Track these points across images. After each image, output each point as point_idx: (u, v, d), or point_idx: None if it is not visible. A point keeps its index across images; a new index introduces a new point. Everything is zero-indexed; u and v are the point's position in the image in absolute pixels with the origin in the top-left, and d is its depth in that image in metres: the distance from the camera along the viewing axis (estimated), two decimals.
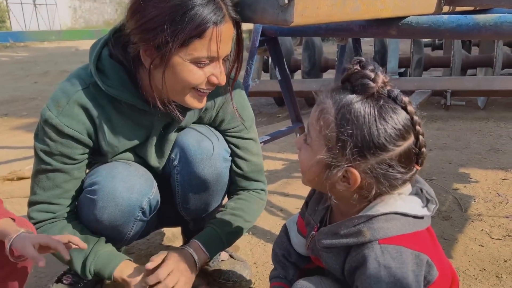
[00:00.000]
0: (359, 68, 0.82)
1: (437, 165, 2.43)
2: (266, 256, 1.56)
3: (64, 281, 1.35)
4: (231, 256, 1.48)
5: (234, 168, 1.32)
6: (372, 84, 0.80)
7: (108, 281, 1.42)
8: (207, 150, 1.24)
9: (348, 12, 1.17)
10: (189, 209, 1.34)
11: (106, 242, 1.23)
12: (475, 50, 5.08)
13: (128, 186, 1.16)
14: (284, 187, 2.25)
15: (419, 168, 0.85)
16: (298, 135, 2.45)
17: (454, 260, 1.51)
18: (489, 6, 1.78)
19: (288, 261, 1.11)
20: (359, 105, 0.80)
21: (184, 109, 1.18)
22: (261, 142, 1.82)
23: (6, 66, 7.83)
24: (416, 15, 1.41)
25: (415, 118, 0.82)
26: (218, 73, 1.07)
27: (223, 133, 1.30)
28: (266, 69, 4.60)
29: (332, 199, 0.89)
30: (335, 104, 0.82)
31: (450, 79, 3.73)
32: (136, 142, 1.20)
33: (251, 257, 1.59)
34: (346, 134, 0.80)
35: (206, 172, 1.25)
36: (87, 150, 1.17)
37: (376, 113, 0.80)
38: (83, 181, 1.20)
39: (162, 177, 1.31)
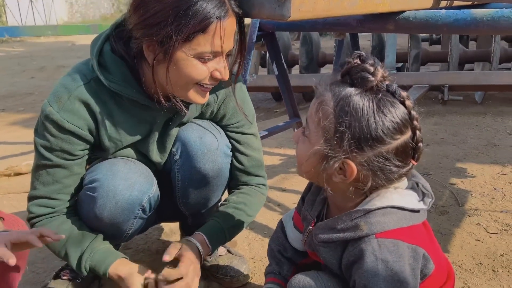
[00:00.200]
0: (359, 62, 0.83)
1: (434, 160, 2.44)
2: (264, 251, 1.56)
3: (62, 277, 1.35)
4: (228, 251, 1.48)
5: (235, 163, 1.32)
6: (371, 78, 0.81)
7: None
8: (208, 145, 1.24)
9: (346, 6, 1.17)
10: (189, 204, 1.34)
11: (106, 238, 1.23)
12: (472, 45, 5.07)
13: (129, 184, 1.16)
14: (282, 182, 2.25)
15: (415, 163, 0.86)
16: (295, 130, 2.45)
17: (451, 254, 1.52)
18: (487, 1, 1.78)
19: (283, 257, 1.12)
20: (358, 98, 0.81)
21: (187, 104, 1.18)
22: None
23: (2, 61, 7.78)
24: (414, 9, 1.40)
25: (413, 113, 0.83)
26: (221, 68, 1.07)
27: (224, 128, 1.30)
28: (263, 64, 4.58)
29: (329, 192, 0.89)
30: (334, 97, 0.83)
31: (447, 73, 3.73)
32: (138, 137, 1.20)
33: (249, 252, 1.59)
34: (344, 126, 0.81)
35: (207, 167, 1.25)
36: (88, 146, 1.17)
37: (375, 106, 0.81)
38: (83, 177, 1.20)
39: (162, 172, 1.31)
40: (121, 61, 1.09)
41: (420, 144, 0.84)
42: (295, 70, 4.64)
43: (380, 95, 0.82)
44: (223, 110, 1.28)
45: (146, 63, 1.07)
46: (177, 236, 1.68)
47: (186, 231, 1.56)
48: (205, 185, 1.28)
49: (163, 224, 1.78)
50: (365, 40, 6.19)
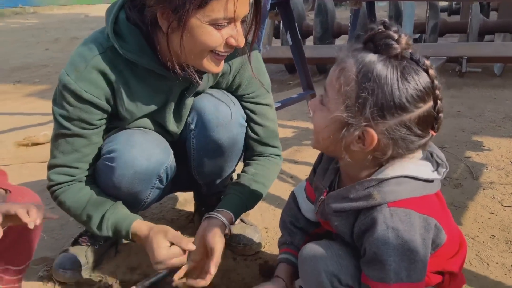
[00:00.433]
0: (383, 29, 0.81)
1: (450, 133, 2.40)
2: (276, 221, 1.58)
3: (81, 243, 1.39)
4: (241, 220, 1.50)
5: (250, 133, 1.32)
6: (396, 44, 0.80)
7: (125, 240, 1.46)
8: (223, 115, 1.24)
9: None
10: (203, 173, 1.35)
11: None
12: (493, 15, 4.90)
13: (147, 154, 1.17)
14: (294, 155, 2.26)
15: (434, 133, 0.85)
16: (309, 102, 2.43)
17: (464, 227, 1.52)
18: None
19: (295, 227, 1.13)
20: (382, 65, 0.80)
21: (202, 74, 1.17)
22: None
23: (17, 33, 7.80)
24: None
25: (436, 82, 0.82)
26: (236, 35, 1.05)
27: (239, 98, 1.30)
28: (277, 35, 4.51)
29: (346, 160, 0.87)
30: (356, 63, 0.82)
31: (466, 45, 3.62)
32: (154, 107, 1.20)
33: (261, 222, 1.62)
34: (367, 92, 0.80)
35: (222, 137, 1.25)
36: (105, 116, 1.17)
37: (399, 73, 0.80)
38: (100, 147, 1.21)
39: (177, 141, 1.32)
40: (136, 29, 1.08)
41: (441, 115, 0.83)
42: (309, 41, 4.56)
43: (405, 62, 0.81)
44: (238, 79, 1.27)
45: (161, 32, 1.06)
46: (191, 205, 1.71)
47: (200, 201, 1.58)
48: (220, 155, 1.29)
49: (178, 194, 1.80)
50: (382, 10, 6.02)
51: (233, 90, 1.30)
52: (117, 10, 1.10)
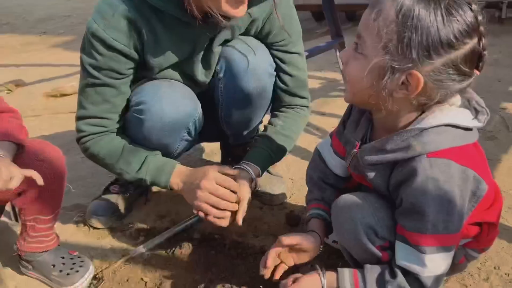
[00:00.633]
0: None
1: (485, 83, 2.30)
2: (302, 173, 1.58)
3: (112, 191, 1.43)
4: (268, 171, 1.51)
5: (279, 83, 1.29)
6: None
7: (154, 189, 1.49)
8: (252, 64, 1.21)
9: None
10: (231, 123, 1.34)
11: None
12: None
13: (175, 107, 1.17)
14: (321, 106, 2.22)
15: (478, 73, 0.80)
16: (337, 51, 2.35)
17: (497, 180, 1.47)
18: None
19: (325, 183, 1.11)
20: (425, 1, 0.75)
21: (229, 20, 1.13)
22: None
23: None
24: None
25: (479, 17, 0.77)
26: None
27: (269, 46, 1.26)
28: None
29: (387, 109, 0.83)
30: (394, 3, 0.77)
31: None
32: (181, 56, 1.18)
33: (287, 173, 1.62)
34: (410, 32, 0.75)
35: (250, 86, 1.23)
36: (134, 65, 1.16)
37: (443, 9, 0.75)
38: (129, 98, 1.21)
39: (205, 92, 1.30)
40: None
41: (485, 52, 0.79)
42: None
43: None
44: (268, 26, 1.23)
45: None
46: (217, 156, 1.72)
47: (227, 151, 1.59)
48: (248, 104, 1.27)
49: (204, 144, 1.82)
50: None
51: (262, 36, 1.26)
52: None
